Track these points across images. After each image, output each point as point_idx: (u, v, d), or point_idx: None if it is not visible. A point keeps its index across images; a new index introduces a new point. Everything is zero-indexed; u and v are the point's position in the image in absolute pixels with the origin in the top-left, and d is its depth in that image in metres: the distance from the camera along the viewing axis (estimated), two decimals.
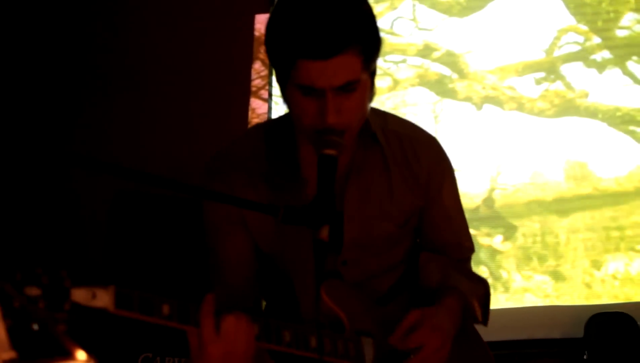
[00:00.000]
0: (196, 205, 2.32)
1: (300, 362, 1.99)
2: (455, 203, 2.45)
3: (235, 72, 4.92)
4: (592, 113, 4.79)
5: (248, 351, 1.82)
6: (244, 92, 4.90)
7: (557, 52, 4.90)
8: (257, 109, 4.88)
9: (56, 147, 4.75)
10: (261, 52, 4.95)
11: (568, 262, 4.65)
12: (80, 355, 1.13)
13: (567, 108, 4.82)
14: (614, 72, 4.83)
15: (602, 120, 4.77)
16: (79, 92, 4.88)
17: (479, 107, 4.86)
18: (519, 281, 4.65)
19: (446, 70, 4.95)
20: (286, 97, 2.06)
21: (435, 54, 4.97)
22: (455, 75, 4.93)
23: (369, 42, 1.96)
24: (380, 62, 2.12)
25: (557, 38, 4.91)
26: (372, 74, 2.06)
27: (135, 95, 4.87)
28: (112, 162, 1.75)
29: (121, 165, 1.74)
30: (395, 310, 2.26)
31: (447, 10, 5.01)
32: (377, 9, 4.64)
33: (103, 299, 1.58)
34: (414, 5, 5.02)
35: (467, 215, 2.53)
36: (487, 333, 2.50)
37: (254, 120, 4.83)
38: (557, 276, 4.64)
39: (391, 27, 4.98)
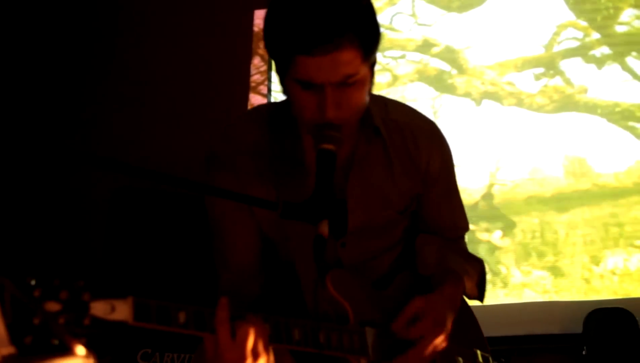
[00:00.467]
0: (196, 201, 2.32)
1: (313, 358, 2.00)
2: (452, 187, 2.48)
3: (235, 67, 4.92)
4: (591, 108, 4.79)
5: (263, 354, 1.83)
6: (243, 88, 4.90)
7: (557, 48, 4.90)
8: (257, 104, 4.88)
9: (56, 144, 4.75)
10: (260, 47, 4.95)
11: (567, 257, 4.65)
12: (80, 350, 1.13)
13: (566, 103, 4.82)
14: (613, 67, 4.83)
15: (601, 115, 4.77)
16: (78, 89, 4.87)
17: (478, 103, 4.86)
18: (518, 276, 4.65)
19: (445, 66, 4.95)
20: (285, 90, 2.05)
21: (435, 50, 4.97)
22: (454, 71, 4.93)
23: (367, 35, 1.95)
24: (379, 58, 2.12)
25: (557, 33, 4.90)
26: (372, 66, 2.06)
27: (134, 91, 4.87)
28: (112, 158, 1.75)
29: (121, 161, 1.74)
30: (397, 293, 2.30)
31: (447, 6, 5.01)
32: (376, 4, 4.61)
33: (122, 312, 1.59)
34: (413, 1, 5.02)
35: (466, 211, 2.56)
36: (486, 328, 2.52)
37: None
38: (556, 272, 4.64)
39: (390, 22, 4.98)
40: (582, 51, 4.88)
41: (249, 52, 4.95)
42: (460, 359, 2.34)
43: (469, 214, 2.58)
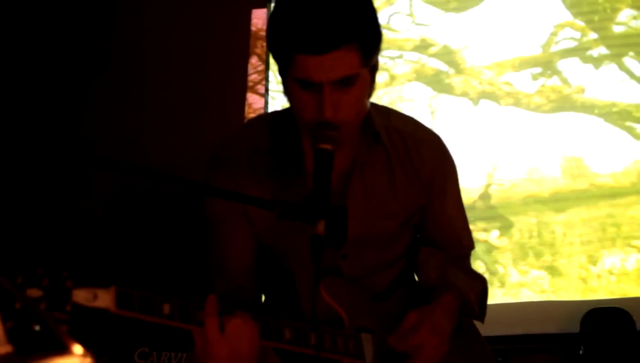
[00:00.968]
0: (193, 200, 2.32)
1: (304, 359, 2.00)
2: (456, 201, 2.46)
3: (232, 67, 4.92)
4: (588, 108, 4.79)
5: (253, 350, 1.83)
6: (241, 87, 4.90)
7: (554, 48, 4.90)
8: (254, 104, 4.88)
9: (53, 143, 4.75)
10: (258, 47, 4.95)
11: (564, 257, 4.66)
12: (77, 349, 1.13)
13: (564, 103, 4.82)
14: (611, 67, 4.83)
15: (599, 115, 4.78)
16: (76, 88, 4.87)
17: (476, 103, 4.87)
18: (515, 276, 4.66)
19: (443, 66, 4.95)
20: (286, 90, 2.06)
21: (432, 50, 4.97)
22: (451, 71, 4.93)
23: (367, 38, 1.96)
24: None
25: (554, 34, 4.91)
26: (373, 69, 2.06)
27: (132, 90, 4.87)
28: (109, 157, 1.75)
29: (118, 160, 1.74)
30: (394, 306, 2.28)
31: (444, 6, 5.01)
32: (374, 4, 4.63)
33: (104, 300, 1.59)
34: (410, 1, 5.02)
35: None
36: (483, 328, 2.51)
37: (250, 115, 4.84)
38: (553, 271, 4.65)
39: (388, 22, 4.98)
40: (579, 51, 4.88)
41: (246, 51, 4.95)
42: None
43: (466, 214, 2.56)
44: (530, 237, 4.71)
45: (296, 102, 2.03)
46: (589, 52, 4.88)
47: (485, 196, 4.74)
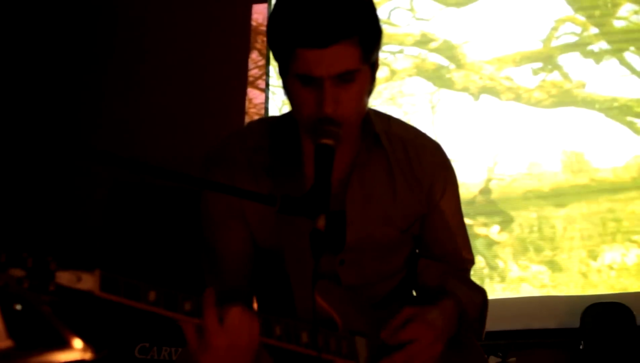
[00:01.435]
0: (194, 196, 2.30)
1: (297, 359, 1.99)
2: (456, 212, 2.42)
3: (233, 62, 4.92)
4: (589, 103, 4.79)
5: (251, 343, 1.81)
6: (241, 82, 4.90)
7: (555, 43, 4.90)
8: (254, 99, 4.88)
9: (55, 139, 4.75)
10: (258, 42, 4.95)
11: (564, 252, 4.66)
12: (77, 344, 1.13)
13: (564, 98, 4.82)
14: (611, 62, 4.83)
15: (599, 110, 4.78)
16: (77, 85, 4.87)
17: (476, 98, 4.86)
18: (515, 271, 4.66)
19: (443, 61, 4.95)
20: (287, 88, 2.06)
21: (433, 44, 4.97)
22: (452, 66, 4.93)
23: (367, 33, 1.96)
24: None
25: (555, 28, 4.90)
26: (373, 66, 2.06)
27: (132, 85, 4.87)
28: (110, 153, 1.75)
29: (119, 156, 1.74)
30: (390, 314, 2.20)
31: (445, 0, 5.01)
32: None
33: (88, 282, 1.59)
34: None
35: (463, 206, 2.49)
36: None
37: (251, 110, 4.83)
38: (553, 266, 4.65)
39: (388, 17, 4.98)
40: (580, 46, 4.88)
41: (246, 46, 4.95)
42: None
43: (466, 209, 2.54)
44: (531, 232, 4.71)
45: (297, 99, 2.03)
46: (590, 47, 4.87)
47: (485, 191, 4.73)
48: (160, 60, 4.91)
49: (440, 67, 4.94)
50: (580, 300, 4.45)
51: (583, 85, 4.82)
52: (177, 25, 4.96)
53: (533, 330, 4.49)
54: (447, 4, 5.00)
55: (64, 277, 1.56)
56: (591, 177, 4.73)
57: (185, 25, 4.95)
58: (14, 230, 4.28)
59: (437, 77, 4.92)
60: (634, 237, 4.66)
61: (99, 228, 4.25)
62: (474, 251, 2.53)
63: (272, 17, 2.01)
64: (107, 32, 4.96)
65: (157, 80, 4.87)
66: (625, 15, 4.91)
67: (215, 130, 4.55)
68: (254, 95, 4.89)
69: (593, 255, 4.64)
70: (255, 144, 2.23)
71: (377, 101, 4.67)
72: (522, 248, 4.69)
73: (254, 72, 4.93)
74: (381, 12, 2.03)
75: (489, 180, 4.74)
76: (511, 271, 4.66)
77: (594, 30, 4.89)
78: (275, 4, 2.02)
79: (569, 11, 4.92)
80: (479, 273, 4.57)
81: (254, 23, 4.97)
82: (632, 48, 4.84)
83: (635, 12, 4.90)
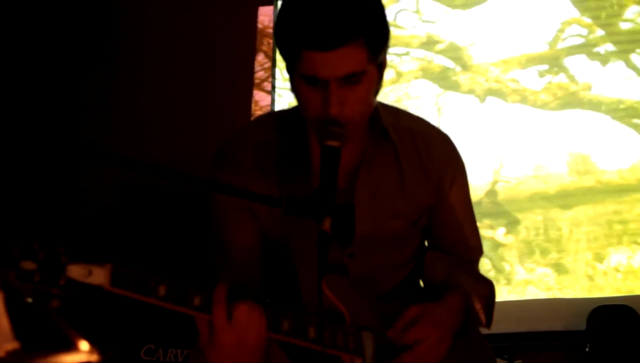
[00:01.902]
0: (199, 197, 2.32)
1: (307, 355, 2.00)
2: (465, 202, 2.43)
3: (239, 64, 4.92)
4: (595, 106, 4.78)
5: (260, 340, 1.81)
6: (247, 84, 4.90)
7: (561, 45, 4.89)
8: (260, 101, 4.88)
9: (60, 140, 4.76)
10: (264, 44, 4.95)
11: (571, 254, 4.65)
12: (83, 346, 1.13)
13: (571, 100, 4.81)
14: (618, 64, 4.83)
15: (606, 112, 4.77)
16: (83, 85, 4.88)
17: (482, 100, 4.86)
18: (521, 274, 4.65)
19: (449, 63, 4.95)
20: (293, 87, 2.06)
21: (439, 47, 4.97)
22: (458, 68, 4.93)
23: (374, 34, 1.95)
24: None
25: (561, 30, 4.90)
26: (380, 66, 2.05)
27: (138, 87, 4.87)
28: (116, 153, 1.75)
29: (125, 156, 1.74)
30: (397, 307, 2.23)
31: (451, 3, 5.01)
32: None
33: (99, 276, 1.58)
34: None
35: None
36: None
37: (257, 112, 4.84)
38: (559, 269, 4.64)
39: (394, 19, 4.98)
40: (586, 48, 4.88)
41: (253, 48, 4.96)
42: None
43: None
44: (537, 234, 4.71)
45: (303, 99, 2.03)
46: (596, 49, 4.87)
47: (491, 193, 4.73)
48: (166, 62, 4.91)
49: (446, 69, 4.94)
50: (587, 303, 4.44)
51: (589, 88, 4.82)
52: (183, 27, 4.97)
53: (539, 332, 4.48)
54: (453, 6, 5.00)
55: (75, 271, 1.55)
56: (597, 179, 4.72)
57: (192, 28, 4.96)
58: (19, 229, 4.28)
59: (443, 79, 4.93)
60: None
61: (104, 228, 4.25)
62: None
63: (279, 17, 2.01)
64: (114, 35, 4.97)
65: (163, 82, 4.87)
66: (631, 17, 4.90)
67: (221, 132, 4.55)
68: (260, 98, 4.89)
69: (599, 258, 4.63)
70: (263, 140, 2.24)
71: None
72: (528, 250, 4.69)
73: (260, 74, 4.94)
74: (387, 15, 2.02)
75: (495, 182, 4.74)
76: (517, 273, 4.66)
77: (600, 32, 4.89)
78: (282, 5, 2.01)
79: (575, 13, 4.91)
80: (485, 275, 4.56)
81: (260, 25, 4.98)
82: (638, 50, 4.84)
83: None
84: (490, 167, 4.74)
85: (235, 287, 1.90)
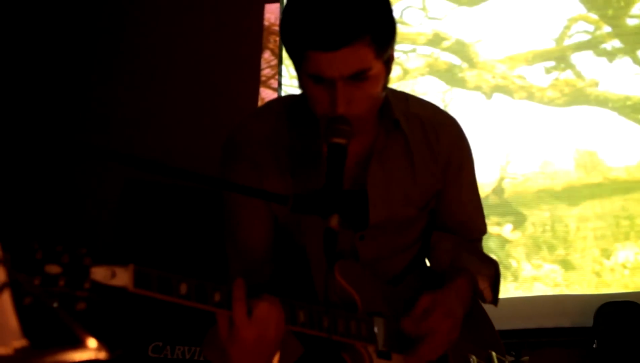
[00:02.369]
0: (206, 194, 2.32)
1: (319, 342, 2.01)
2: (471, 184, 2.48)
3: (245, 61, 4.93)
4: (602, 102, 4.78)
5: (278, 335, 1.84)
6: (254, 82, 4.91)
7: (567, 41, 4.89)
8: (267, 99, 4.88)
9: (66, 138, 4.77)
10: (271, 41, 4.95)
11: (578, 251, 4.65)
12: (91, 343, 1.14)
13: (577, 97, 4.81)
14: (625, 61, 4.82)
15: (612, 109, 4.76)
16: (88, 82, 4.89)
17: (489, 96, 4.86)
18: (528, 270, 4.65)
19: (456, 60, 4.94)
20: (301, 85, 2.06)
21: (445, 43, 4.97)
22: (465, 65, 4.93)
23: (380, 31, 1.95)
24: None
25: (567, 27, 4.89)
26: (387, 62, 2.05)
27: (144, 84, 4.88)
28: (123, 151, 1.76)
29: (132, 154, 1.75)
30: (407, 290, 2.29)
31: (457, 0, 5.00)
32: None
33: (122, 278, 1.58)
34: None
35: None
36: (497, 322, 2.52)
37: None
38: (566, 265, 4.64)
39: (401, 16, 4.98)
40: (593, 44, 4.87)
41: (259, 46, 4.96)
42: (474, 358, 2.33)
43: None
44: (544, 231, 4.71)
45: (310, 97, 2.04)
46: (603, 46, 4.86)
47: (498, 190, 4.73)
48: (172, 59, 4.92)
49: (452, 66, 4.93)
50: (594, 299, 4.44)
51: (596, 84, 4.81)
52: (189, 24, 4.97)
53: (546, 329, 4.48)
54: (460, 3, 4.99)
55: (99, 273, 1.55)
56: (604, 175, 4.72)
57: (198, 25, 4.96)
58: (25, 228, 4.29)
59: (450, 76, 4.92)
60: None
61: (110, 226, 4.26)
62: (486, 250, 2.56)
63: (283, 18, 2.02)
64: (120, 33, 4.97)
65: (169, 79, 4.88)
66: (638, 14, 4.89)
67: (227, 129, 4.56)
68: (266, 95, 4.90)
69: (606, 254, 4.63)
70: (273, 130, 2.25)
71: None
72: (535, 247, 4.68)
73: (266, 71, 4.94)
74: (394, 12, 2.02)
75: (501, 179, 4.74)
76: (524, 270, 4.66)
77: (607, 28, 4.88)
78: (286, 5, 2.02)
79: (581, 10, 4.90)
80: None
81: (266, 23, 4.98)
82: None
83: None
84: (497, 163, 4.74)
85: (243, 275, 1.92)
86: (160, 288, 1.66)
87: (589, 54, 4.86)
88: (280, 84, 4.92)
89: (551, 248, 4.67)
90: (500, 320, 2.50)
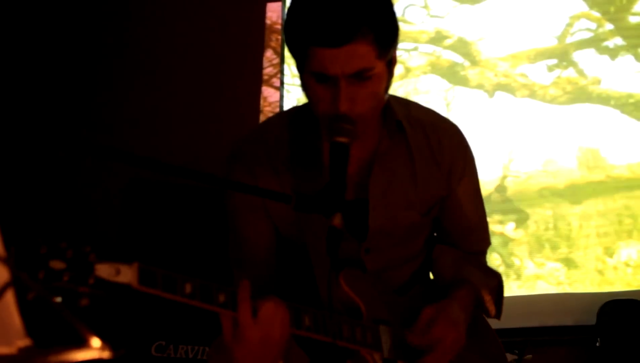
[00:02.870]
0: (210, 193, 2.32)
1: (323, 350, 2.01)
2: (474, 193, 2.46)
3: (247, 60, 4.92)
4: (604, 100, 4.77)
5: (284, 336, 1.84)
6: (256, 81, 4.91)
7: (570, 39, 4.88)
8: (269, 97, 4.88)
9: (71, 136, 4.77)
10: (273, 40, 4.95)
11: (580, 249, 4.65)
12: (95, 342, 1.14)
13: (580, 95, 4.80)
14: (627, 58, 4.81)
15: (615, 107, 4.76)
16: (92, 81, 4.89)
17: (491, 95, 4.86)
18: (531, 268, 4.65)
19: (458, 58, 4.94)
20: (303, 84, 2.07)
21: (447, 42, 4.96)
22: (467, 63, 4.92)
23: (383, 31, 1.96)
24: None
25: (570, 25, 4.89)
26: (390, 63, 2.06)
27: (147, 83, 4.88)
28: (126, 150, 1.76)
29: (134, 153, 1.75)
30: (412, 300, 2.29)
31: None
32: None
33: (127, 275, 1.58)
34: None
35: None
36: (500, 320, 2.51)
37: (265, 108, 4.84)
38: (569, 263, 4.64)
39: (403, 14, 4.98)
40: (595, 42, 4.86)
41: (261, 45, 4.96)
42: None
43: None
44: (546, 229, 4.70)
45: (313, 96, 2.04)
46: (605, 43, 4.86)
47: (501, 188, 4.73)
48: (174, 58, 4.92)
49: (454, 64, 4.93)
50: (597, 297, 4.44)
51: (598, 82, 4.80)
52: (191, 23, 4.97)
53: (549, 327, 4.48)
54: (462, 1, 4.99)
55: (103, 270, 1.55)
56: (607, 173, 4.71)
57: (200, 24, 4.96)
58: (30, 226, 4.30)
59: (452, 75, 4.92)
60: None
61: (114, 226, 4.26)
62: (490, 249, 2.55)
63: (288, 16, 2.03)
64: (122, 33, 4.97)
65: (171, 78, 4.88)
66: None
67: (230, 128, 4.57)
68: (268, 94, 4.90)
69: (609, 252, 4.63)
70: (276, 137, 2.26)
71: None
72: (537, 245, 4.68)
73: (268, 70, 4.94)
74: (395, 10, 2.03)
75: (504, 177, 4.74)
76: (527, 268, 4.65)
77: (609, 26, 4.87)
78: (291, 3, 2.03)
79: (583, 7, 4.90)
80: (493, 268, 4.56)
81: (268, 21, 4.98)
82: None
83: None
84: (499, 162, 4.74)
85: (253, 283, 1.93)
86: (165, 286, 1.66)
87: (591, 51, 4.85)
88: (282, 83, 4.92)
89: (554, 246, 4.67)
90: (503, 319, 2.49)
